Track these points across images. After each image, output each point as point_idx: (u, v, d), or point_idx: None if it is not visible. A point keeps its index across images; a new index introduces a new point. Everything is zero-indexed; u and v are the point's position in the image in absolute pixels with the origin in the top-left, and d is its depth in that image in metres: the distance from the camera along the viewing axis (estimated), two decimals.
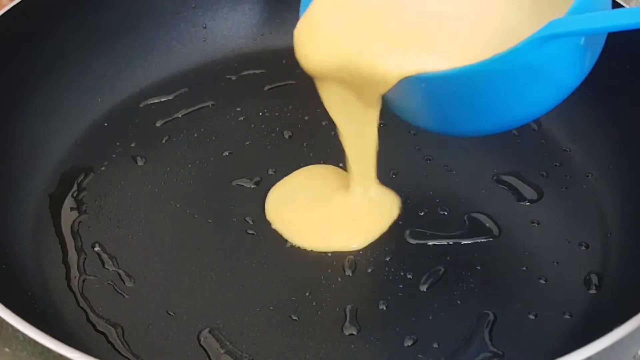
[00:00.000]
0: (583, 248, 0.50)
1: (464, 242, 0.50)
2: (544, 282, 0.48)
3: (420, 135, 0.57)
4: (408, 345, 0.45)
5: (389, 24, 0.43)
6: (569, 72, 0.40)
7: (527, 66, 0.38)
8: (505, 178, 0.54)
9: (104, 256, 0.50)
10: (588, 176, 0.55)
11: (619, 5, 0.53)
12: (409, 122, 0.46)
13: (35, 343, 0.37)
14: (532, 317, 0.46)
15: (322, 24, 0.44)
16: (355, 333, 0.46)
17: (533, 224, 0.52)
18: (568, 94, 0.41)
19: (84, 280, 0.49)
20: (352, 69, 0.42)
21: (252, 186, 0.54)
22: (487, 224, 0.51)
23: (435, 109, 0.43)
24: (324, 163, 0.56)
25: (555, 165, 0.56)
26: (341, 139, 0.50)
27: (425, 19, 0.43)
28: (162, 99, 0.61)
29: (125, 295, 0.48)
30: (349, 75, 0.43)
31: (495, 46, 0.38)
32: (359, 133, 0.48)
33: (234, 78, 0.63)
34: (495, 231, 0.51)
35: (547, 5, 0.41)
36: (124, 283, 0.48)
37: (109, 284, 0.48)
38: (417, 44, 0.42)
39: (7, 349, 0.41)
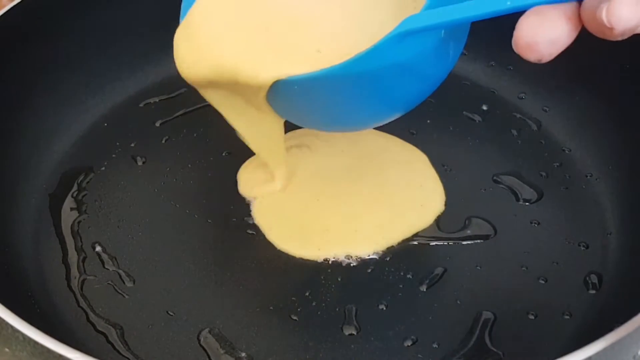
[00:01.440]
0: (583, 248, 0.50)
1: (463, 242, 0.50)
2: (543, 282, 0.48)
3: (420, 135, 0.57)
4: (408, 345, 0.45)
5: (261, 32, 0.44)
6: (433, 64, 0.41)
7: (390, 63, 0.39)
8: (505, 178, 0.54)
9: (104, 256, 0.50)
10: (588, 176, 0.55)
11: None
12: (297, 124, 0.48)
13: (35, 343, 0.37)
14: (531, 317, 0.46)
15: (197, 33, 0.45)
16: (355, 333, 0.46)
17: (533, 224, 0.52)
18: (437, 86, 0.43)
19: (83, 281, 0.49)
20: (227, 76, 0.43)
21: None
22: (487, 224, 0.51)
23: (313, 108, 0.44)
24: None
25: (555, 165, 0.56)
26: (245, 140, 0.50)
27: (293, 23, 0.44)
28: (162, 99, 0.61)
29: (125, 295, 0.48)
30: (226, 82, 0.44)
31: (362, 46, 0.39)
32: (260, 133, 0.49)
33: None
34: (495, 231, 0.51)
35: (408, 4, 0.42)
36: (124, 283, 0.48)
37: (109, 284, 0.48)
38: (286, 49, 0.43)
39: (7, 349, 0.41)
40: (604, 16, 0.31)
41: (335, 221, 0.52)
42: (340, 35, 0.43)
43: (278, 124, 0.48)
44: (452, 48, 0.41)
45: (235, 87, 0.44)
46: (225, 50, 0.43)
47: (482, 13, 0.34)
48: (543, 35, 0.33)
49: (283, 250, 0.50)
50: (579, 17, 0.33)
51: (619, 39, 0.32)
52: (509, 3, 0.33)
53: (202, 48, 0.44)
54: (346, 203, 0.53)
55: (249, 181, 0.54)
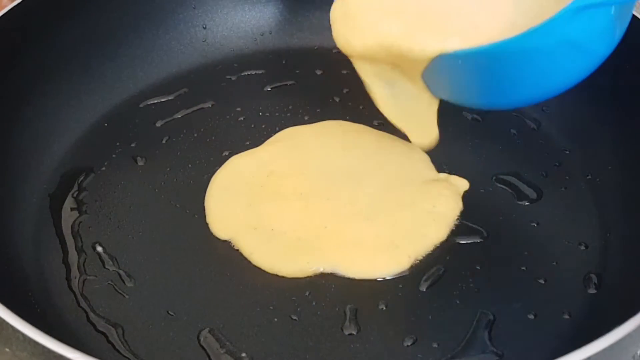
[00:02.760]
0: (582, 248, 0.50)
1: (463, 242, 0.50)
2: (543, 282, 0.48)
3: None
4: (408, 345, 0.45)
5: (424, 5, 0.45)
6: (601, 41, 0.41)
7: (562, 37, 0.39)
8: (505, 178, 0.54)
9: (104, 256, 0.50)
10: (587, 176, 0.55)
11: None
12: (450, 100, 0.48)
13: (36, 343, 0.37)
14: (531, 317, 0.47)
15: (358, 7, 0.47)
16: (355, 333, 0.46)
17: (532, 224, 0.52)
18: (600, 63, 0.43)
19: (84, 281, 0.49)
20: (392, 49, 0.44)
21: None
22: (487, 224, 0.51)
23: (472, 84, 0.44)
24: None
25: (555, 166, 0.56)
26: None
27: (457, 2, 0.45)
28: (162, 99, 0.61)
29: (125, 295, 0.48)
30: (389, 54, 0.45)
31: (521, 23, 0.40)
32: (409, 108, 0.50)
33: (234, 78, 0.63)
34: (495, 231, 0.51)
35: None
36: (124, 283, 0.48)
37: (109, 284, 0.48)
38: (453, 23, 0.44)
39: (7, 349, 0.41)
40: None
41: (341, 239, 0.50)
42: (497, 11, 0.43)
43: (432, 99, 0.49)
44: (618, 27, 0.41)
45: (395, 60, 0.45)
46: (390, 24, 0.44)
47: None
48: None
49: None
50: None
51: None
52: None
53: (364, 23, 0.46)
54: (353, 217, 0.51)
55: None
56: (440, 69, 0.44)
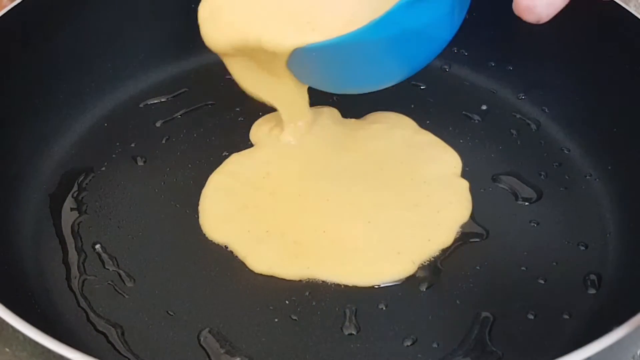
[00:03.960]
0: (582, 248, 0.50)
1: (463, 241, 0.50)
2: (543, 283, 0.48)
3: None
4: (408, 345, 0.45)
5: (281, 4, 0.49)
6: (441, 27, 0.45)
7: (402, 27, 0.43)
8: (505, 178, 0.54)
9: (104, 256, 0.50)
10: (587, 176, 0.55)
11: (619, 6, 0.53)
12: (315, 87, 0.52)
13: (36, 343, 0.37)
14: (531, 317, 0.47)
15: (222, 6, 0.50)
16: (355, 333, 0.46)
17: (532, 224, 0.52)
18: (443, 47, 0.47)
19: (84, 281, 0.49)
20: (254, 44, 0.48)
21: None
22: (487, 224, 0.51)
23: (329, 72, 0.49)
24: None
25: (555, 166, 0.56)
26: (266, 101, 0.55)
27: None
28: (162, 99, 0.61)
29: (125, 295, 0.48)
30: (252, 49, 0.49)
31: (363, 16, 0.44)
32: (282, 96, 0.54)
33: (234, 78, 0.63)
34: (495, 231, 0.51)
35: None
36: (124, 283, 0.48)
37: (109, 284, 0.48)
38: (304, 19, 0.47)
39: (7, 349, 0.41)
40: None
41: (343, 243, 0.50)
42: (350, 4, 0.47)
43: (300, 86, 0.52)
44: (457, 11, 0.44)
45: (258, 54, 0.49)
46: (250, 21, 0.48)
47: None
48: None
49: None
50: None
51: None
52: None
53: (228, 20, 0.49)
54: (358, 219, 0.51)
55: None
56: (300, 61, 0.47)
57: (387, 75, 0.49)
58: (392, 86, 0.50)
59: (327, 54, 0.46)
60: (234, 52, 0.50)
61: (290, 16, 0.48)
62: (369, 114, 0.59)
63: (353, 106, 0.59)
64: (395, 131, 0.57)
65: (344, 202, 0.52)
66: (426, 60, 0.48)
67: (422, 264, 0.49)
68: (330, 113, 0.58)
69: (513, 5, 0.37)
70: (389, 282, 0.48)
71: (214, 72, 0.63)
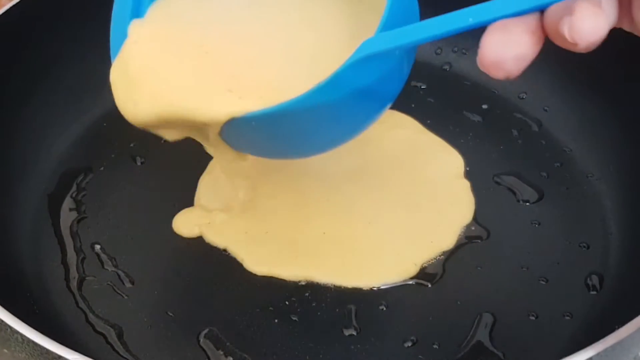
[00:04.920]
0: (584, 249, 0.50)
1: (464, 242, 0.50)
2: (544, 283, 0.48)
3: None
4: (408, 346, 0.45)
5: (208, 67, 0.41)
6: (390, 83, 0.40)
7: (350, 89, 0.37)
8: (506, 178, 0.54)
9: (103, 257, 0.50)
10: (589, 176, 0.54)
11: None
12: (253, 155, 0.45)
13: (34, 344, 0.37)
14: (532, 317, 0.46)
15: (136, 72, 0.41)
16: (355, 333, 0.46)
17: (533, 224, 0.52)
18: (393, 101, 0.41)
19: (83, 281, 0.48)
20: (178, 117, 0.40)
21: None
22: (488, 224, 0.51)
23: (269, 141, 0.42)
24: None
25: (556, 166, 0.55)
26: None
27: (244, 58, 0.42)
28: None
29: (124, 295, 0.48)
30: (176, 121, 0.41)
31: (317, 76, 0.37)
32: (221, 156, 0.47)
33: None
34: (496, 231, 0.51)
35: (359, 30, 0.41)
36: (123, 284, 0.48)
37: (108, 284, 0.48)
38: (237, 84, 0.40)
39: (5, 350, 0.41)
40: (566, 33, 0.30)
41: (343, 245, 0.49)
42: (292, 70, 0.41)
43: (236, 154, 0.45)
44: (405, 64, 0.40)
45: (187, 125, 0.41)
46: (174, 88, 0.40)
47: (445, 31, 0.33)
48: (509, 52, 0.32)
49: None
50: (542, 29, 0.32)
51: (584, 52, 0.31)
52: (471, 20, 0.32)
53: (146, 88, 0.41)
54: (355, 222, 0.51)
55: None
56: (236, 130, 0.40)
57: (333, 139, 0.43)
58: None
59: (267, 122, 0.39)
60: (159, 124, 0.42)
61: (219, 81, 0.41)
62: None
63: None
64: (397, 131, 0.57)
65: (344, 203, 0.52)
66: (375, 117, 0.42)
67: (423, 265, 0.49)
68: None
69: (478, 61, 0.32)
70: (390, 284, 0.48)
71: None
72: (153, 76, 0.41)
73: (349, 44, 0.40)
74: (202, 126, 0.40)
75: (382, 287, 0.48)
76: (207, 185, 0.53)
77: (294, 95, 0.37)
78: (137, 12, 0.44)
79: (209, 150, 0.45)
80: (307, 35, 0.42)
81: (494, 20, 0.32)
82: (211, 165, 0.54)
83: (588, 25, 0.30)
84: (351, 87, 0.37)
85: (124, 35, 0.43)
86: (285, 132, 0.40)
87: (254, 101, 0.39)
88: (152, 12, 0.44)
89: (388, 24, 0.36)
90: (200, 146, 0.57)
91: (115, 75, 0.42)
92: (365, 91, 0.38)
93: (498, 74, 0.32)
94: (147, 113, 0.40)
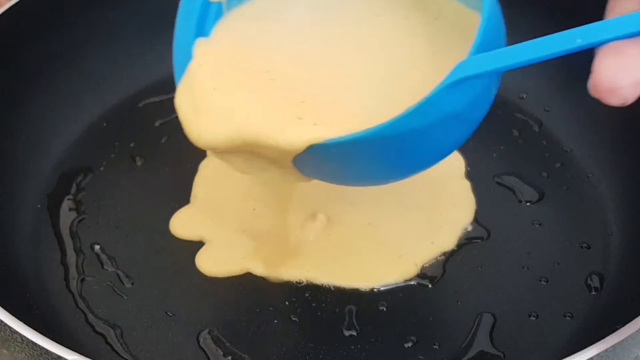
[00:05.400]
0: (584, 249, 0.50)
1: (465, 242, 0.50)
2: (544, 283, 0.48)
3: None
4: (408, 347, 0.45)
5: (276, 93, 0.40)
6: (479, 107, 0.38)
7: (441, 114, 0.35)
8: (506, 178, 0.54)
9: (103, 257, 0.50)
10: (589, 176, 0.54)
11: None
12: (324, 181, 0.43)
13: (34, 344, 0.37)
14: (532, 318, 0.46)
15: (205, 98, 0.40)
16: (355, 334, 0.46)
17: (534, 225, 0.51)
18: (478, 126, 0.40)
19: (82, 281, 0.48)
20: (253, 143, 0.38)
21: None
22: (488, 225, 0.51)
23: (348, 168, 0.40)
24: None
25: (557, 166, 0.55)
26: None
27: (314, 82, 0.40)
28: (162, 99, 0.61)
29: (124, 296, 0.48)
30: (252, 147, 0.39)
31: (397, 101, 0.36)
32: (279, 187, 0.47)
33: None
34: (496, 231, 0.51)
35: (439, 49, 0.39)
36: (123, 284, 0.48)
37: (107, 284, 0.48)
38: (322, 108, 0.39)
39: (5, 351, 0.41)
40: None
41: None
42: (366, 93, 0.39)
43: (297, 183, 0.45)
44: (494, 87, 0.38)
45: (261, 151, 0.39)
46: (248, 115, 0.39)
47: (550, 53, 0.31)
48: (626, 77, 0.29)
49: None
50: None
51: None
52: (579, 41, 0.30)
53: (218, 115, 0.39)
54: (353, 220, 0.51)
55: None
56: (312, 157, 0.38)
57: (417, 165, 0.41)
58: None
59: (349, 149, 0.37)
60: (226, 149, 0.40)
61: (288, 108, 0.39)
62: None
63: None
64: None
65: (344, 204, 0.51)
66: (460, 143, 0.40)
67: (423, 266, 0.49)
68: None
69: (590, 87, 0.30)
70: (391, 286, 0.48)
71: None
72: (220, 102, 0.39)
73: (430, 65, 0.38)
74: (277, 154, 0.39)
75: (382, 288, 0.48)
76: (203, 183, 0.53)
77: (375, 120, 0.35)
78: (202, 29, 0.43)
79: (260, 178, 0.43)
80: (380, 54, 0.40)
81: (606, 41, 0.30)
82: (203, 164, 0.54)
83: None
84: (443, 112, 0.35)
85: (188, 56, 0.42)
86: (364, 159, 0.38)
87: (333, 128, 0.37)
88: (217, 32, 0.42)
89: (482, 45, 0.34)
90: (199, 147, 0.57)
91: (181, 99, 0.41)
92: (455, 116, 0.36)
93: (613, 100, 0.31)
94: (218, 140, 0.39)
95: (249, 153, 0.40)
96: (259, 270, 0.48)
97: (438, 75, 0.35)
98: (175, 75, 0.42)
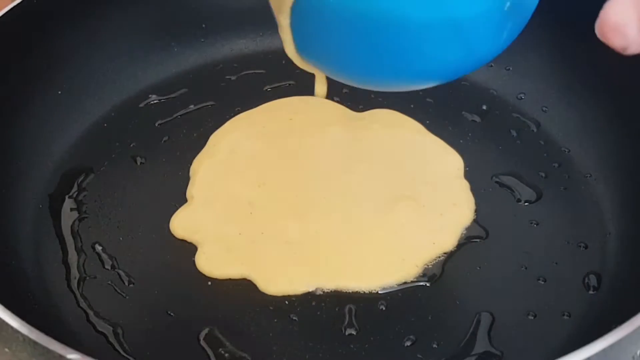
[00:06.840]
0: (582, 248, 0.50)
1: (463, 242, 0.50)
2: (543, 283, 0.48)
3: None
4: (407, 346, 0.45)
5: None
6: (486, 37, 0.37)
7: (448, 14, 0.35)
8: (505, 178, 0.54)
9: (104, 256, 0.50)
10: (587, 176, 0.55)
11: None
12: (315, 65, 0.41)
13: (35, 344, 0.37)
14: (531, 317, 0.47)
15: None
16: (354, 333, 0.46)
17: (532, 224, 0.52)
18: (480, 65, 0.39)
19: (84, 281, 0.48)
20: None
21: None
22: (487, 225, 0.51)
23: (344, 42, 0.38)
24: None
25: (555, 166, 0.55)
26: None
27: None
28: (162, 99, 0.61)
29: (125, 295, 0.48)
30: None
31: None
32: None
33: (233, 78, 0.63)
34: (495, 231, 0.51)
35: None
36: (124, 283, 0.48)
37: (109, 284, 0.48)
38: None
39: (7, 350, 0.41)
40: None
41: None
42: None
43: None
44: (507, 29, 0.37)
45: None
46: None
47: None
48: (632, 15, 0.29)
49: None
50: None
51: None
52: None
53: None
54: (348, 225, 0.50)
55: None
56: (307, 13, 0.37)
57: (411, 73, 0.39)
58: None
59: (344, 12, 0.35)
60: None
61: None
62: (370, 111, 0.59)
63: (355, 106, 0.59)
64: (396, 131, 0.57)
65: (344, 204, 0.52)
66: (458, 71, 0.39)
67: (424, 266, 0.49)
68: (334, 110, 0.58)
69: (597, 26, 0.29)
70: (392, 287, 0.48)
71: (214, 72, 0.63)
72: None
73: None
74: None
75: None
76: (200, 180, 0.54)
77: None
78: None
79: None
80: None
81: None
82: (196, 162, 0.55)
83: None
84: (449, 11, 0.34)
85: None
86: (359, 33, 0.36)
87: None
88: None
89: None
90: (199, 147, 0.57)
91: None
92: (458, 25, 0.35)
93: (617, 40, 0.30)
94: None
95: None
96: (260, 285, 0.48)
97: None
98: None
